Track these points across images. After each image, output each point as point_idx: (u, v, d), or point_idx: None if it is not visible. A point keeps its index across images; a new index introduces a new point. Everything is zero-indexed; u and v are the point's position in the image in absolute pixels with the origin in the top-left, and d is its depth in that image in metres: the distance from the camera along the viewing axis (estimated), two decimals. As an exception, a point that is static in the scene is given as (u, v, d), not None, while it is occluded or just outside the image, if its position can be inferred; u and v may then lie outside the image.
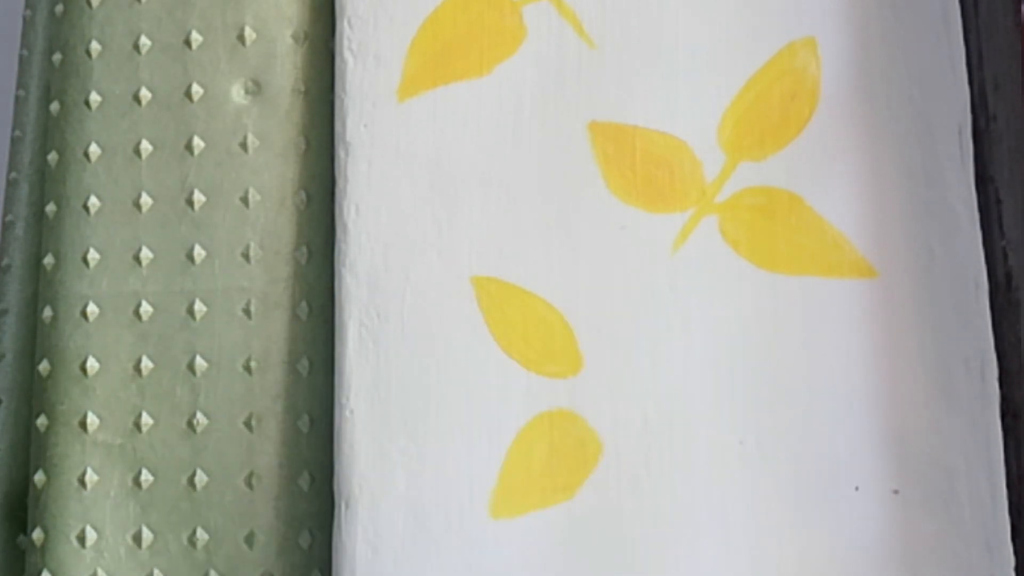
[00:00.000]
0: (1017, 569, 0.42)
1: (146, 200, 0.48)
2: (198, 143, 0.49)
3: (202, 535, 0.45)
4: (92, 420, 0.46)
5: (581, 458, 0.44)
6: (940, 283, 0.45)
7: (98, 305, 0.47)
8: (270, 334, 0.47)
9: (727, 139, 0.47)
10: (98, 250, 0.48)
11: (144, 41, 0.50)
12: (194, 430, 0.46)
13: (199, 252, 0.48)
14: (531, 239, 0.46)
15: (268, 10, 0.50)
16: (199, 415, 0.46)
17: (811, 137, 0.47)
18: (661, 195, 0.47)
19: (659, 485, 0.44)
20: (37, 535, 0.45)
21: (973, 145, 0.46)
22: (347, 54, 0.49)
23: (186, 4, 0.50)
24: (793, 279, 0.45)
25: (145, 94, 0.49)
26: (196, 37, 0.50)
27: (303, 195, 0.48)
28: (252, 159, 0.48)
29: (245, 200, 0.48)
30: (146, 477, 0.46)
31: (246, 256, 0.48)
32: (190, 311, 0.47)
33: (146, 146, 0.49)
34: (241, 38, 0.50)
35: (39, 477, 0.46)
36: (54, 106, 0.50)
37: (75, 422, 0.46)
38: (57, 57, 0.51)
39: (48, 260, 0.48)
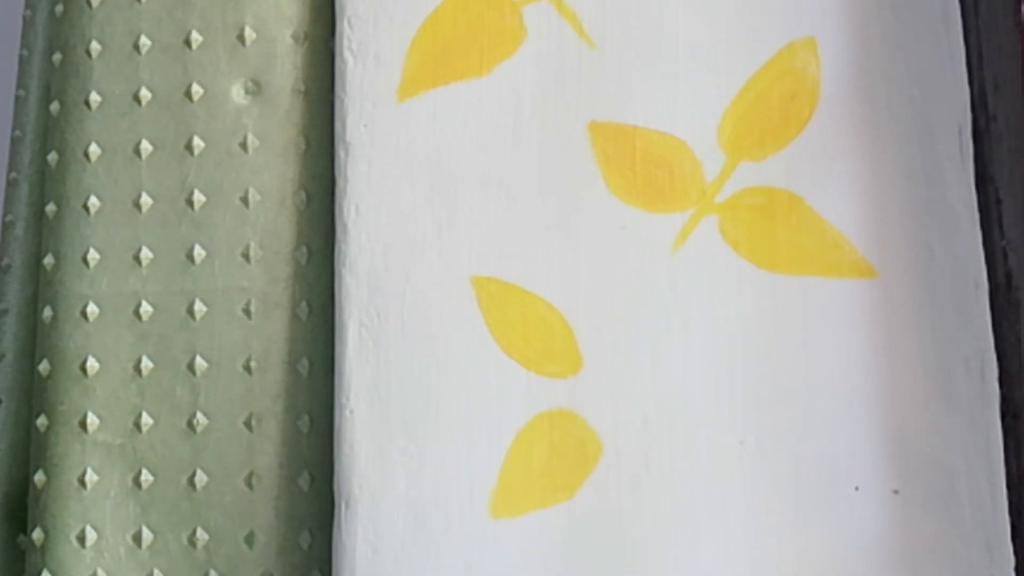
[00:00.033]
0: (1017, 569, 0.42)
1: (146, 200, 0.48)
2: (198, 143, 0.49)
3: (202, 535, 0.45)
4: (92, 420, 0.46)
5: (581, 458, 0.44)
6: (940, 283, 0.45)
7: (98, 305, 0.47)
8: (270, 334, 0.47)
9: (727, 139, 0.47)
10: (98, 250, 0.48)
11: (144, 41, 0.50)
12: (194, 430, 0.46)
13: (199, 252, 0.48)
14: (531, 239, 0.46)
15: (268, 10, 0.50)
16: (199, 415, 0.46)
17: (811, 137, 0.47)
18: (661, 195, 0.47)
19: (659, 485, 0.44)
20: (37, 535, 0.45)
21: (973, 145, 0.46)
22: (347, 54, 0.49)
23: (186, 4, 0.50)
24: (793, 279, 0.45)
25: (145, 94, 0.49)
26: (196, 37, 0.50)
27: (303, 195, 0.48)
28: (252, 159, 0.48)
29: (245, 200, 0.48)
30: (146, 477, 0.46)
31: (246, 256, 0.48)
32: (190, 311, 0.47)
33: (146, 146, 0.49)
34: (241, 38, 0.50)
35: (39, 477, 0.46)
36: (54, 106, 0.50)
37: (75, 422, 0.46)
38: (57, 57, 0.51)
39: (48, 260, 0.48)
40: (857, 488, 0.43)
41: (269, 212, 0.48)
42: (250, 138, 0.49)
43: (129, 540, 0.45)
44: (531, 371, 0.45)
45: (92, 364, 0.47)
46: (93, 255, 0.48)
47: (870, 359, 0.44)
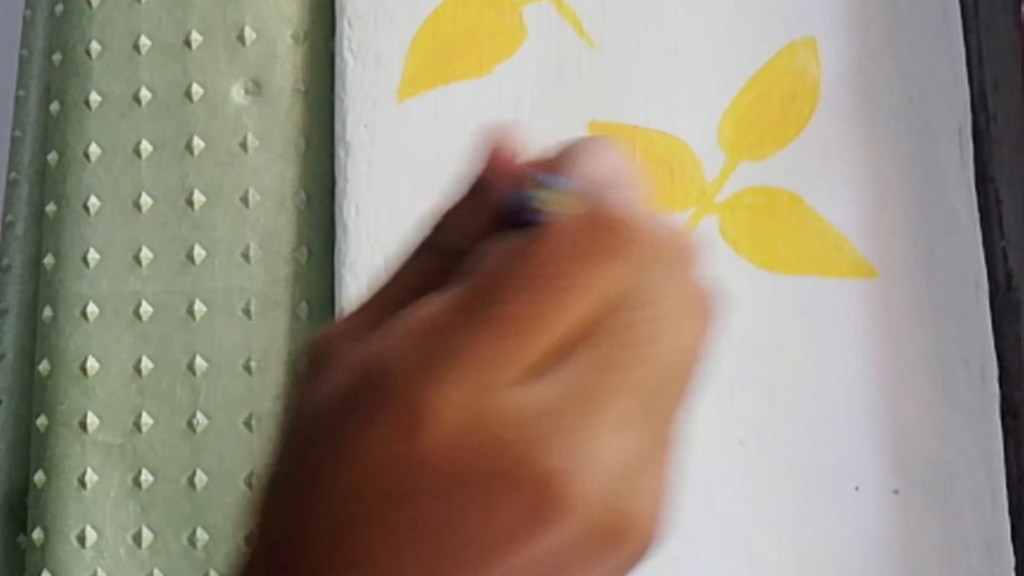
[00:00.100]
0: (1017, 569, 0.42)
1: (146, 200, 0.48)
2: (198, 143, 0.49)
3: (202, 535, 0.45)
4: (92, 420, 0.46)
5: (581, 458, 0.44)
6: (940, 283, 0.45)
7: (98, 305, 0.47)
8: (270, 334, 0.47)
9: (727, 139, 0.47)
10: (98, 250, 0.48)
11: (144, 41, 0.50)
12: (194, 430, 0.46)
13: (199, 252, 0.48)
14: (531, 239, 0.46)
15: (268, 10, 0.50)
16: (199, 415, 0.46)
17: (811, 137, 0.47)
18: (661, 195, 0.47)
19: (659, 485, 0.44)
20: (37, 535, 0.45)
21: (973, 145, 0.46)
22: (347, 54, 0.49)
23: (186, 4, 0.50)
24: (793, 279, 0.45)
25: (145, 94, 0.49)
26: (196, 37, 0.50)
27: (303, 195, 0.48)
28: (252, 159, 0.48)
29: (245, 200, 0.48)
30: (146, 477, 0.46)
31: (246, 256, 0.48)
32: (190, 311, 0.47)
33: (146, 146, 0.49)
34: (241, 38, 0.50)
35: (39, 477, 0.46)
36: (54, 106, 0.50)
37: (75, 422, 0.46)
38: (57, 57, 0.51)
39: (48, 260, 0.48)
40: (857, 488, 0.43)
41: (269, 212, 0.48)
42: (250, 138, 0.49)
43: (129, 540, 0.45)
44: (531, 371, 0.45)
45: (92, 364, 0.47)
46: (93, 255, 0.48)
47: (870, 359, 0.44)
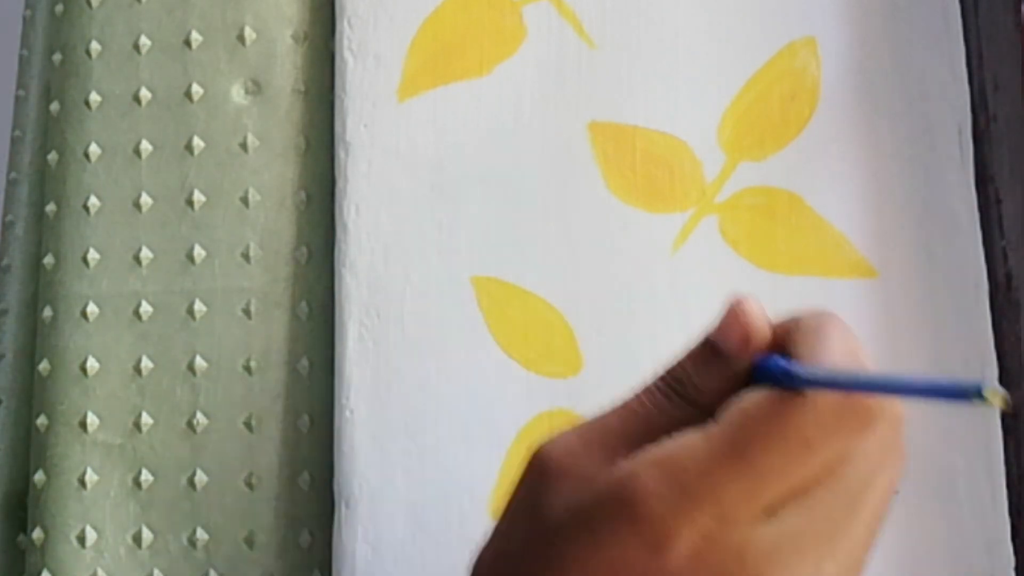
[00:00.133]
0: (1017, 569, 0.42)
1: (146, 200, 0.48)
2: (198, 143, 0.49)
3: (202, 535, 0.45)
4: (92, 420, 0.46)
5: (581, 458, 0.44)
6: (940, 283, 0.45)
7: (98, 305, 0.47)
8: (270, 334, 0.47)
9: (727, 139, 0.47)
10: (98, 250, 0.48)
11: (144, 41, 0.50)
12: (194, 430, 0.46)
13: (199, 252, 0.48)
14: (531, 239, 0.46)
15: (268, 10, 0.50)
16: (199, 415, 0.46)
17: (811, 137, 0.47)
18: (661, 195, 0.47)
19: (659, 485, 0.43)
20: (37, 535, 0.45)
21: (973, 145, 0.46)
22: (347, 54, 0.49)
23: (186, 4, 0.50)
24: (793, 279, 0.45)
25: (145, 94, 0.49)
26: (196, 37, 0.50)
27: (303, 195, 0.48)
28: (252, 159, 0.48)
29: (245, 200, 0.48)
30: (146, 477, 0.46)
31: (246, 256, 0.48)
32: (190, 311, 0.47)
33: (146, 146, 0.49)
34: (241, 38, 0.50)
35: (39, 477, 0.46)
36: (54, 106, 0.50)
37: (75, 422, 0.46)
38: (57, 57, 0.51)
39: (48, 260, 0.48)
40: (857, 488, 0.43)
41: (269, 212, 0.48)
42: (250, 138, 0.49)
43: (129, 540, 0.45)
44: (531, 371, 0.45)
45: (92, 364, 0.47)
46: (93, 255, 0.48)
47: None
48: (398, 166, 0.47)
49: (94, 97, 0.49)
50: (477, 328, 0.45)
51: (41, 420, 0.46)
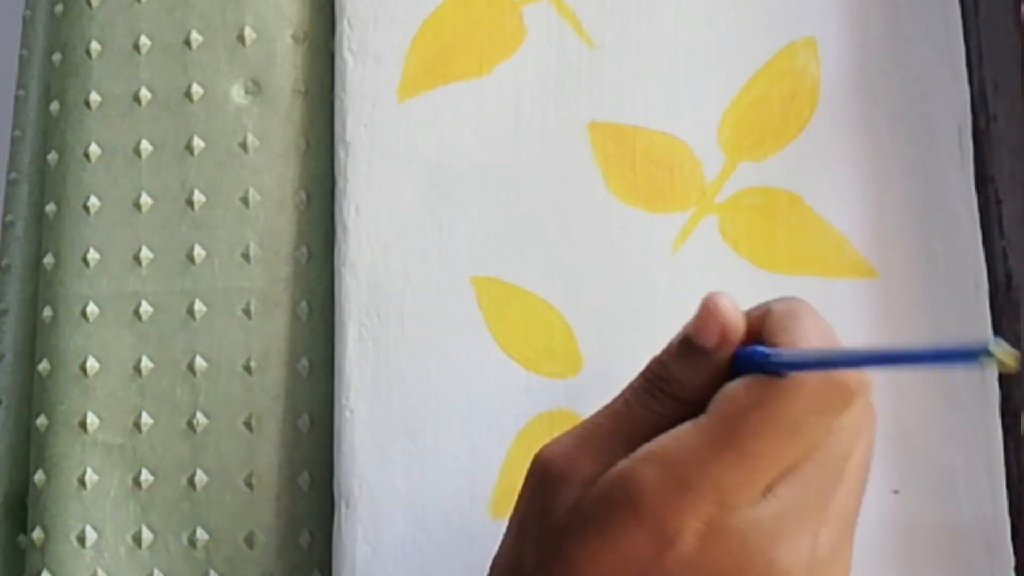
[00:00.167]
0: (1017, 569, 0.42)
1: (146, 200, 0.48)
2: (198, 143, 0.49)
3: (202, 535, 0.45)
4: (92, 420, 0.46)
5: (581, 458, 0.44)
6: (940, 283, 0.45)
7: (98, 305, 0.47)
8: (270, 334, 0.47)
9: (727, 139, 0.47)
10: (98, 250, 0.48)
11: (144, 41, 0.50)
12: (194, 430, 0.46)
13: (199, 252, 0.48)
14: (531, 239, 0.46)
15: (268, 10, 0.50)
16: (199, 415, 0.46)
17: (811, 137, 0.47)
18: (661, 195, 0.47)
19: (659, 485, 0.43)
20: (37, 535, 0.45)
21: (973, 145, 0.46)
22: (347, 54, 0.49)
23: (186, 4, 0.50)
24: (793, 279, 0.45)
25: (145, 94, 0.49)
26: (196, 37, 0.50)
27: (303, 195, 0.48)
28: (252, 159, 0.48)
29: (245, 200, 0.48)
30: (146, 477, 0.46)
31: (246, 256, 0.48)
32: (190, 311, 0.47)
33: (146, 146, 0.49)
34: (241, 38, 0.50)
35: (39, 477, 0.46)
36: (54, 106, 0.50)
37: (75, 422, 0.46)
38: (57, 57, 0.51)
39: (48, 260, 0.48)
40: (857, 488, 0.43)
41: (269, 212, 0.48)
42: (250, 138, 0.49)
43: (129, 540, 0.45)
44: (531, 371, 0.45)
45: (92, 364, 0.47)
46: (93, 255, 0.48)
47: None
48: (398, 166, 0.47)
49: (94, 97, 0.49)
50: (477, 328, 0.45)
51: (41, 420, 0.46)
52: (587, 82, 0.48)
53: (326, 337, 0.47)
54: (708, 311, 0.33)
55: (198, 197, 0.48)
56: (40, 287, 0.48)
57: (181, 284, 0.47)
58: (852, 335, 0.44)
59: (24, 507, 0.47)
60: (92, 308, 0.47)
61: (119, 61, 0.50)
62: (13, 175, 0.52)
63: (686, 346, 0.33)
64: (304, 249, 0.48)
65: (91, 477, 0.45)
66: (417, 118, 0.48)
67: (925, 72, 0.47)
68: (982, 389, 0.44)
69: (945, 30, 0.47)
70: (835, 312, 0.44)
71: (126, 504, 0.45)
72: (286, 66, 0.49)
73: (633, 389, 0.34)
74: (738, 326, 0.33)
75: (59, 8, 0.52)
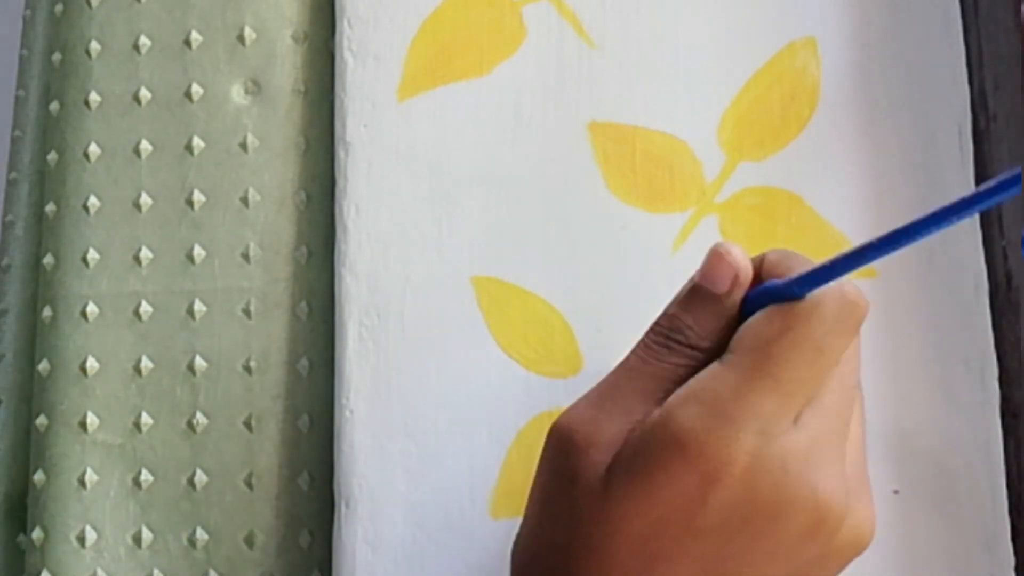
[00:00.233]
0: (1017, 569, 0.42)
1: (146, 200, 0.48)
2: (198, 143, 0.49)
3: (202, 535, 0.45)
4: (92, 420, 0.46)
5: (581, 458, 0.44)
6: (940, 283, 0.45)
7: (98, 305, 0.47)
8: (270, 334, 0.47)
9: (727, 139, 0.47)
10: (98, 250, 0.48)
11: (144, 41, 0.50)
12: (194, 430, 0.46)
13: (199, 252, 0.48)
14: (531, 239, 0.46)
15: (268, 10, 0.50)
16: (199, 415, 0.46)
17: (811, 137, 0.47)
18: (661, 195, 0.47)
19: (659, 485, 0.43)
20: (37, 535, 0.45)
21: (973, 145, 0.46)
22: (347, 54, 0.49)
23: (186, 4, 0.50)
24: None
25: (145, 94, 0.49)
26: (196, 37, 0.50)
27: (303, 195, 0.48)
28: (252, 159, 0.48)
29: (245, 200, 0.48)
30: (146, 477, 0.46)
31: (246, 256, 0.48)
32: (190, 311, 0.47)
33: (146, 146, 0.49)
34: (241, 38, 0.50)
35: (39, 477, 0.46)
36: (54, 106, 0.50)
37: (75, 422, 0.46)
38: (57, 57, 0.51)
39: (48, 260, 0.48)
40: (857, 488, 0.43)
41: (269, 212, 0.48)
42: (250, 138, 0.49)
43: (129, 540, 0.45)
44: (531, 371, 0.45)
45: (92, 364, 0.47)
46: (93, 255, 0.48)
47: (870, 359, 0.44)
48: (398, 166, 0.47)
49: (94, 97, 0.49)
50: (477, 328, 0.45)
51: (41, 420, 0.46)
52: (587, 82, 0.48)
53: (326, 337, 0.47)
54: (719, 256, 0.34)
55: (198, 197, 0.48)
56: (40, 287, 0.48)
57: (181, 284, 0.47)
58: (852, 335, 0.44)
59: (24, 507, 0.47)
60: (92, 308, 0.47)
61: (119, 61, 0.50)
62: (13, 175, 0.52)
63: (697, 294, 0.34)
64: (304, 249, 0.48)
65: (91, 477, 0.45)
66: (417, 118, 0.48)
67: (925, 72, 0.47)
68: (982, 389, 0.44)
69: (945, 30, 0.47)
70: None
71: (126, 504, 0.45)
72: (286, 66, 0.49)
73: (645, 345, 0.34)
74: (748, 269, 0.34)
75: (59, 8, 0.52)
